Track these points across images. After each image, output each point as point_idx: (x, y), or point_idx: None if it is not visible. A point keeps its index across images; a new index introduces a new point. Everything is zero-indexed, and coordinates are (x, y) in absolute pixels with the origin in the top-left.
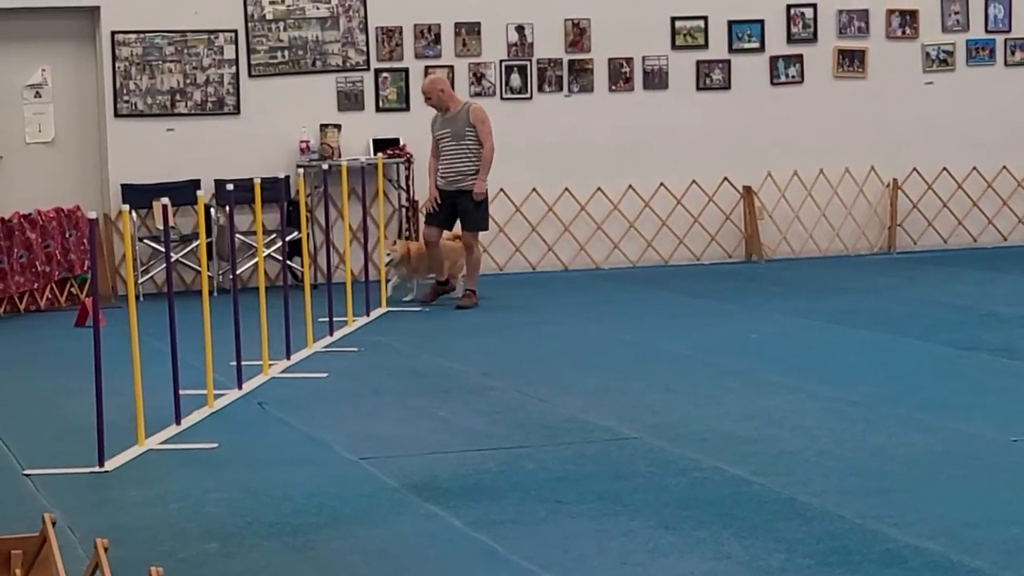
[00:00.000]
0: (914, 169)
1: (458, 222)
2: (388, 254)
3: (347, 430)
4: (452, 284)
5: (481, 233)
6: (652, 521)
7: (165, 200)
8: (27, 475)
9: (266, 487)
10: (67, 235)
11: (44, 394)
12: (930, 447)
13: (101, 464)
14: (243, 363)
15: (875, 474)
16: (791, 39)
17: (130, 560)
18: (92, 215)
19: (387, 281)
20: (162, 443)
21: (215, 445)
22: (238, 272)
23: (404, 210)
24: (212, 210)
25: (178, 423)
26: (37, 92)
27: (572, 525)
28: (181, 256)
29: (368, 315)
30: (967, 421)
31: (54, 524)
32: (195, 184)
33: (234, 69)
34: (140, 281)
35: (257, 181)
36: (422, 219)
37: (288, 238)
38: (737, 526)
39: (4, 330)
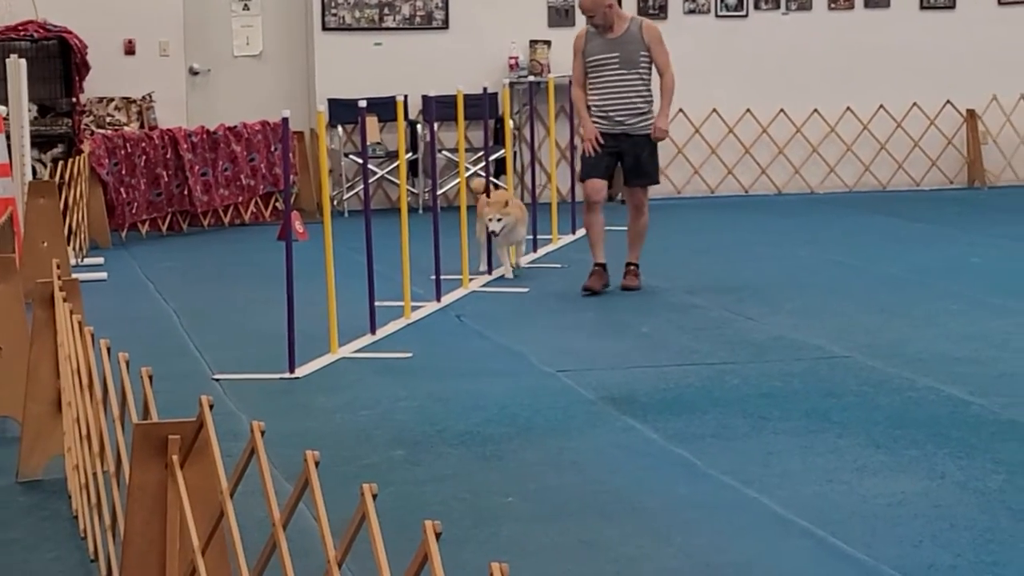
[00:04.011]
0: None
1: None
2: (499, 219)
3: (546, 344)
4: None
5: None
6: (861, 439)
7: (368, 113)
8: (216, 379)
9: (458, 397)
10: (272, 149)
11: (240, 304)
12: None
13: (292, 370)
14: (443, 277)
15: None
16: None
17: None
18: (285, 113)
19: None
20: (355, 352)
21: (409, 355)
22: (444, 190)
23: None
24: (418, 126)
25: (373, 333)
26: (245, 5)
27: (776, 441)
28: (387, 172)
29: (574, 233)
30: None
31: (211, 407)
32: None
33: None
34: (346, 197)
35: (459, 96)
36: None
37: (493, 156)
38: (952, 446)
39: (207, 242)
